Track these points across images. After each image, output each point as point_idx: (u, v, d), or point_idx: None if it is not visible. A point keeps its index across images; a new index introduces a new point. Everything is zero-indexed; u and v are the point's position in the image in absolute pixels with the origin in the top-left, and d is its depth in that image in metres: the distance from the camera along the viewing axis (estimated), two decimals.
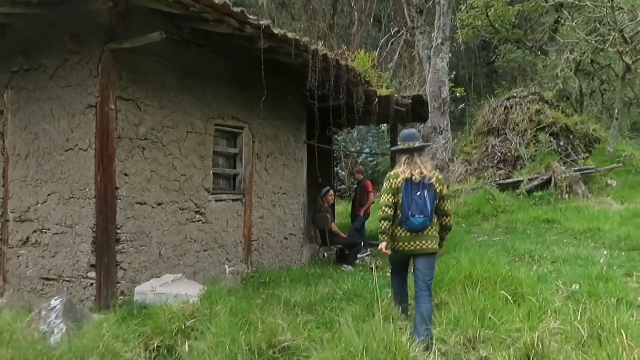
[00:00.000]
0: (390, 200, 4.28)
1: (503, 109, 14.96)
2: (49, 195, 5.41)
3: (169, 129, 5.73)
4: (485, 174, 13.87)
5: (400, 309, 4.57)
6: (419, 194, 4.17)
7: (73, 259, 5.20)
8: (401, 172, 4.31)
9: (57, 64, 5.41)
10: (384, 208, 4.31)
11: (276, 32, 5.85)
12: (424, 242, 4.22)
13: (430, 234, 4.25)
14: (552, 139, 13.81)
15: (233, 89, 6.62)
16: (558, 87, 16.25)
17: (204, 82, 6.20)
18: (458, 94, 8.92)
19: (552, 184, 12.51)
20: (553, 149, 13.63)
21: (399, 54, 19.98)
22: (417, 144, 4.35)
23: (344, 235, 8.32)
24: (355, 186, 9.44)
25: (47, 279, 5.38)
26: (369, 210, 8.98)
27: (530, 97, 14.83)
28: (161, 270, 5.54)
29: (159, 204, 5.58)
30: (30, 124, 5.61)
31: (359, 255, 8.34)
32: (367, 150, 19.74)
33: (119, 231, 5.11)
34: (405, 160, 4.33)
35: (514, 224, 10.58)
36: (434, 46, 8.17)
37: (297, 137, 7.98)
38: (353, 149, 20.33)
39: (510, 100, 15.08)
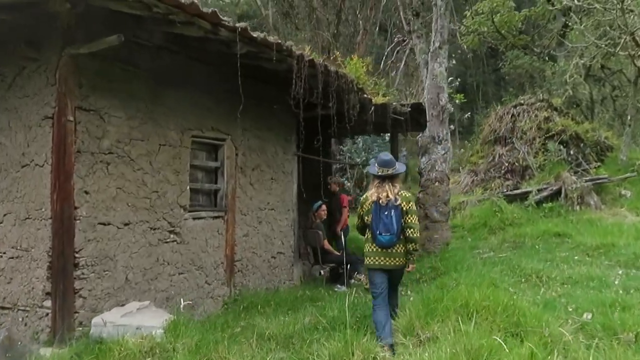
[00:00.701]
0: (360, 224, 4.91)
1: (510, 116, 14.38)
2: (4, 215, 4.96)
3: (138, 142, 5.26)
4: (492, 185, 13.27)
5: (382, 337, 4.24)
6: (386, 213, 4.56)
7: (28, 285, 4.73)
8: (370, 195, 4.75)
9: (14, 72, 4.99)
10: (359, 232, 5.08)
11: (254, 35, 5.37)
12: (392, 258, 4.62)
13: (398, 251, 4.63)
14: (561, 147, 13.19)
15: (212, 98, 6.15)
16: (567, 93, 15.63)
17: (179, 91, 5.74)
18: (457, 101, 8.39)
19: (562, 195, 11.89)
20: (563, 158, 13.01)
21: (404, 62, 19.54)
22: (391, 171, 4.69)
23: (337, 253, 7.77)
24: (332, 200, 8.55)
25: (2, 308, 4.91)
26: (345, 226, 8.36)
27: (538, 104, 14.23)
28: (128, 297, 5.04)
29: (126, 224, 5.09)
30: None
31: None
32: (373, 160, 19.09)
33: (77, 255, 4.62)
34: (376, 183, 4.75)
35: (522, 237, 9.96)
36: (431, 50, 7.64)
37: (286, 149, 7.49)
38: (358, 159, 19.85)
39: (517, 108, 14.50)
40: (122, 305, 4.89)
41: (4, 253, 4.92)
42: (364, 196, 4.87)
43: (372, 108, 8.17)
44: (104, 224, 4.88)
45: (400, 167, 4.80)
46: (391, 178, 4.71)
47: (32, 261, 4.71)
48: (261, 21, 24.88)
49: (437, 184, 7.50)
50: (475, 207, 12.48)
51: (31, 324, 4.68)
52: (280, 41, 5.71)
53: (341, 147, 20.89)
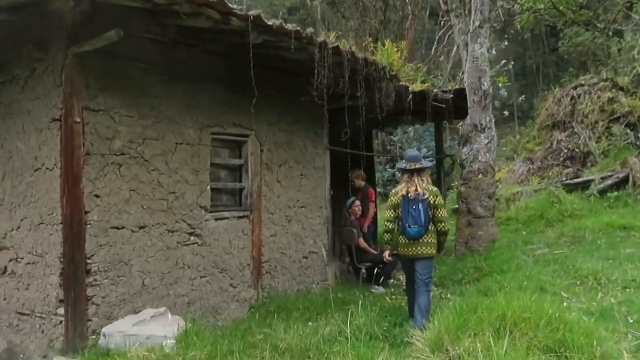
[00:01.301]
0: (391, 215, 5.16)
1: (569, 99, 13.29)
2: (21, 220, 4.89)
3: (152, 141, 5.04)
4: (550, 173, 12.33)
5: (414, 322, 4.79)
6: (414, 207, 4.90)
7: (43, 292, 4.64)
8: (400, 189, 5.09)
9: (26, 74, 4.89)
10: (385, 222, 5.27)
11: (270, 23, 5.02)
12: (420, 248, 4.93)
13: (425, 241, 4.92)
14: (628, 130, 12.03)
15: (233, 93, 5.84)
16: (635, 71, 14.23)
17: (196, 86, 5.48)
18: (501, 84, 7.69)
19: (630, 183, 10.84)
20: (630, 142, 11.86)
21: (457, 47, 18.60)
22: (417, 165, 5.01)
23: (374, 252, 7.33)
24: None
25: (22, 314, 4.86)
26: (372, 222, 7.82)
27: (601, 84, 13.05)
28: (145, 303, 4.86)
29: (141, 227, 4.90)
30: (6, 141, 5.13)
31: None
32: (425, 150, 18.40)
33: (89, 261, 4.46)
34: (405, 178, 5.07)
35: (582, 231, 9.12)
36: (470, 30, 6.99)
37: (316, 142, 7.10)
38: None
39: (578, 89, 13.37)
40: (139, 311, 4.72)
41: (22, 258, 4.86)
42: (394, 190, 5.25)
43: (410, 96, 7.65)
44: (117, 228, 4.70)
45: (425, 163, 5.16)
46: (419, 172, 5.04)
47: (46, 267, 4.61)
48: (308, 11, 24.58)
49: (480, 176, 6.87)
50: (530, 198, 11.65)
51: (47, 331, 4.59)
52: (299, 28, 5.33)
53: (391, 137, 20.28)
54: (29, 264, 4.78)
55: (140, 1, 4.19)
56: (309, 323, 5.26)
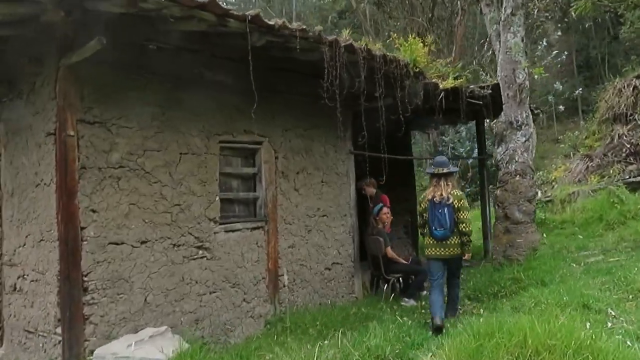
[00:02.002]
0: (421, 221, 5.56)
1: (631, 89, 12.17)
2: (26, 236, 4.83)
3: (154, 152, 4.85)
4: (610, 171, 11.30)
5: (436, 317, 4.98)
6: (440, 210, 5.24)
7: (44, 310, 4.53)
8: (427, 194, 5.44)
9: (28, 89, 4.84)
10: (419, 229, 5.78)
11: (271, 23, 4.72)
12: (447, 249, 5.28)
13: (452, 242, 5.26)
14: None
15: (243, 98, 5.52)
16: None
17: (202, 93, 5.26)
18: (536, 76, 6.96)
19: None
20: None
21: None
22: (445, 170, 5.35)
23: (404, 261, 6.84)
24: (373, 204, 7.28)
25: (28, 332, 4.79)
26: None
27: None
28: (148, 321, 4.66)
29: (143, 242, 4.71)
30: (14, 157, 5.11)
31: None
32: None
33: (85, 278, 4.30)
34: (434, 182, 5.41)
35: None
36: (502, 18, 6.37)
37: (338, 147, 6.72)
38: (462, 150, 18.43)
39: None
40: (140, 330, 4.52)
41: (27, 276, 4.80)
42: (422, 196, 5.60)
43: (442, 93, 7.13)
44: (116, 244, 4.52)
45: (452, 168, 5.48)
46: (446, 177, 5.36)
47: (46, 285, 4.51)
48: (355, 14, 24.23)
49: (517, 177, 6.22)
50: (588, 199, 10.72)
51: (48, 350, 4.48)
52: (305, 27, 5.00)
53: (443, 137, 19.55)
54: (32, 281, 4.71)
55: (126, 6, 3.99)
56: (325, 341, 4.88)
